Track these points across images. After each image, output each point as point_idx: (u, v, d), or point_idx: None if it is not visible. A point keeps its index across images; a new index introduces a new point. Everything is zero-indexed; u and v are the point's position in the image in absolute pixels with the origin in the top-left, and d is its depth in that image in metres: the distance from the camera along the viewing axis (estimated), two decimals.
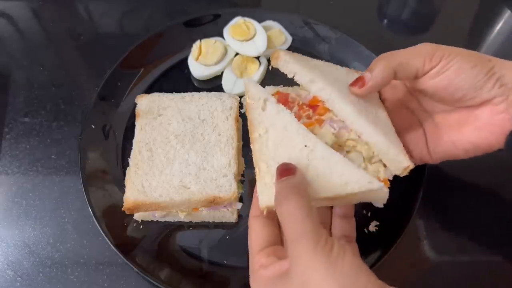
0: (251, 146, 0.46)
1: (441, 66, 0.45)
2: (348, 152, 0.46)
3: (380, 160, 0.46)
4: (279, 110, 0.46)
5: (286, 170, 0.40)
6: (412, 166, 0.43)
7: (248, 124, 0.48)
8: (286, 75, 0.50)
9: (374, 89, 0.48)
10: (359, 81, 0.48)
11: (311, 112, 0.48)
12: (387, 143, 0.44)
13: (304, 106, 0.48)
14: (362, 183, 0.41)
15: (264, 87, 0.51)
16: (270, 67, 0.50)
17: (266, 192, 0.41)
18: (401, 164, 0.44)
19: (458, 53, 0.46)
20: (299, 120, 0.46)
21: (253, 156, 0.45)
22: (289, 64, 0.47)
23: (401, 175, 0.44)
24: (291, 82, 0.51)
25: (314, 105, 0.48)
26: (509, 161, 0.65)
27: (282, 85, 0.53)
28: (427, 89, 0.48)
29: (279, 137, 0.44)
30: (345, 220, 0.48)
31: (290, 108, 0.47)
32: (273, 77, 0.66)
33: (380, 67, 0.47)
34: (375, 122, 0.46)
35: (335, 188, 0.41)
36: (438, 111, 0.52)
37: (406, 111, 0.55)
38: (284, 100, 0.48)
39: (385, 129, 0.47)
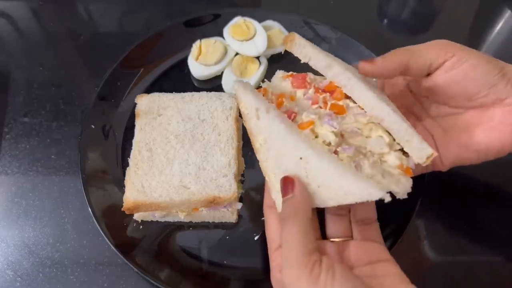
0: (256, 155, 0.46)
1: (457, 59, 0.45)
2: (367, 137, 0.43)
3: (401, 149, 0.43)
4: (271, 119, 0.42)
5: (285, 187, 0.40)
6: (436, 154, 0.41)
7: (248, 133, 0.47)
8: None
9: (383, 71, 0.46)
10: (370, 60, 0.46)
11: (328, 96, 0.45)
12: (411, 130, 0.42)
13: (320, 90, 0.46)
14: (362, 194, 0.37)
15: (270, 79, 0.49)
16: (283, 51, 0.48)
17: (279, 199, 0.41)
18: (425, 152, 0.41)
19: (471, 51, 0.46)
20: (314, 104, 0.43)
21: (260, 165, 0.45)
22: (305, 48, 0.45)
23: (424, 164, 0.41)
24: None
25: (330, 90, 0.46)
26: (509, 161, 0.65)
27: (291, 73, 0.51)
28: (439, 84, 0.47)
29: (278, 147, 0.42)
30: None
31: (307, 89, 0.45)
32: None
33: (394, 55, 0.46)
34: (395, 110, 0.44)
35: (338, 199, 0.39)
36: (445, 115, 0.51)
37: (412, 118, 0.53)
38: (300, 82, 0.45)
39: (404, 118, 0.45)
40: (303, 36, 0.79)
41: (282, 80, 0.48)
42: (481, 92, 0.45)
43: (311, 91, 0.44)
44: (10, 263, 0.57)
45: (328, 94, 0.45)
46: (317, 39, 0.79)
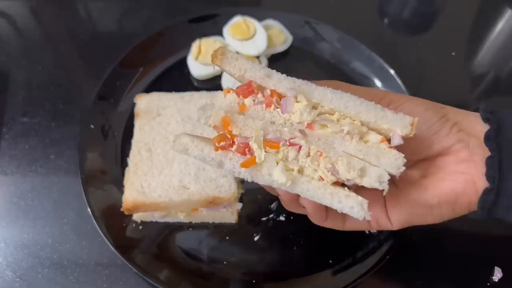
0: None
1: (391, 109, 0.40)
2: (336, 132, 0.39)
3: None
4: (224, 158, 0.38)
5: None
6: (417, 119, 0.38)
7: None
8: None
9: None
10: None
11: (277, 98, 0.40)
12: (379, 106, 0.38)
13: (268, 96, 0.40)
14: (344, 209, 0.37)
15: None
16: (214, 68, 0.44)
17: None
18: (406, 121, 0.37)
19: (408, 99, 0.42)
20: (267, 107, 0.39)
21: None
22: (237, 61, 0.40)
23: (412, 134, 0.37)
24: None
25: (278, 95, 0.41)
26: None
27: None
28: None
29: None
30: None
31: (256, 94, 0.40)
32: None
33: (326, 82, 0.42)
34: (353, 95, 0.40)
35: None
36: None
37: None
38: (246, 90, 0.40)
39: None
40: (304, 35, 0.80)
41: (224, 96, 0.41)
42: (423, 143, 0.41)
43: (260, 95, 0.40)
44: (9, 264, 0.57)
45: (276, 97, 0.40)
46: (317, 38, 0.78)
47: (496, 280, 0.58)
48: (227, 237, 0.60)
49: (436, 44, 0.84)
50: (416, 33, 0.89)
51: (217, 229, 0.60)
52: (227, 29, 0.76)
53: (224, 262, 0.57)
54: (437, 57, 0.83)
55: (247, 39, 0.74)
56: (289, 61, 0.78)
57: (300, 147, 0.38)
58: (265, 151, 0.38)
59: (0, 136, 0.68)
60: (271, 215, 0.61)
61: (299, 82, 0.39)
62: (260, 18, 0.77)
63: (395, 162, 0.37)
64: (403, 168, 0.37)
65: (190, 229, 0.60)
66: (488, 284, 0.58)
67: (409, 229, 0.57)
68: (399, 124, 0.38)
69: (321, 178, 0.38)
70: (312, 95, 0.39)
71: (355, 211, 0.37)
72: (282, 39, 0.78)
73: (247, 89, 0.39)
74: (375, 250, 0.57)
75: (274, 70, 0.40)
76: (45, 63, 0.77)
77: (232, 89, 0.40)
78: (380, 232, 0.59)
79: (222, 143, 0.38)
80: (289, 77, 0.39)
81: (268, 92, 0.39)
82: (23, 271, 0.57)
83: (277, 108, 0.39)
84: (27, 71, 0.76)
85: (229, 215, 0.59)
